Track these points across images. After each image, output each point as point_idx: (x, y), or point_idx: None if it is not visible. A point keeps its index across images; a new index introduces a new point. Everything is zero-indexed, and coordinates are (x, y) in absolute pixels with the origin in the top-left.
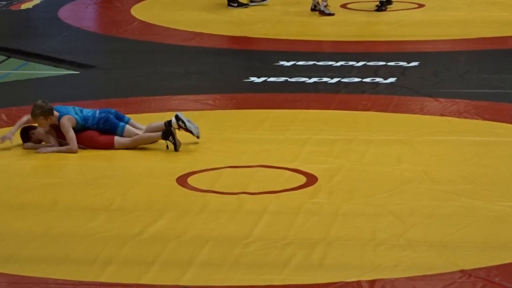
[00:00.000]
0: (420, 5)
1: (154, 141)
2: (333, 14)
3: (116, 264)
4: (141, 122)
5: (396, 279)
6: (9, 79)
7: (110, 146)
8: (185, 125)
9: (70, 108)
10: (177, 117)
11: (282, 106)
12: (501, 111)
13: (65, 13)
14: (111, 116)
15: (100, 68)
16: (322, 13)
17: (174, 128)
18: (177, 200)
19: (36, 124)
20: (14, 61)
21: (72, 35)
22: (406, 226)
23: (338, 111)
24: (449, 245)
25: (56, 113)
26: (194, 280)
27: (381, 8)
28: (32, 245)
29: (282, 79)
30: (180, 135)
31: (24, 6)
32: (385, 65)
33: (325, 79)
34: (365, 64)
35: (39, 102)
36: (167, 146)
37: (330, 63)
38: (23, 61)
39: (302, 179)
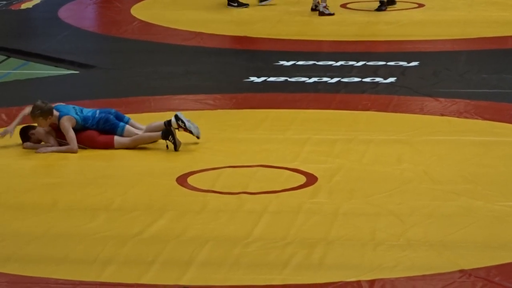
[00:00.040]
0: (420, 5)
1: (154, 140)
2: (333, 14)
3: (116, 264)
4: (141, 122)
5: (396, 278)
6: (9, 78)
7: (110, 146)
8: (184, 125)
9: (70, 107)
10: (176, 117)
11: (282, 106)
12: (501, 110)
13: (65, 13)
14: (111, 116)
15: (100, 68)
16: (322, 13)
17: (174, 128)
18: (177, 199)
19: (35, 124)
20: (14, 61)
21: (72, 35)
22: (406, 226)
23: (338, 111)
24: (449, 245)
25: (56, 112)
26: (194, 280)
27: (381, 8)
28: (32, 245)
29: (282, 79)
30: (180, 135)
31: (24, 6)
32: (385, 65)
33: (325, 79)
34: (365, 64)
35: (39, 102)
36: (167, 146)
37: (330, 63)
38: (23, 61)
39: (302, 179)
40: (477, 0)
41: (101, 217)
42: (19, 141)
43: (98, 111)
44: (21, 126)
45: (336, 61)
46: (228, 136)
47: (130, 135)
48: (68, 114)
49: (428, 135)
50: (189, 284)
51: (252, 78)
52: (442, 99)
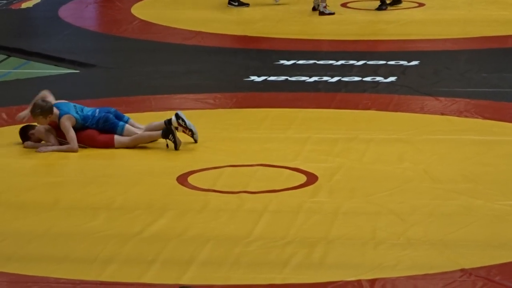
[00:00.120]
0: (421, 4)
1: (154, 140)
2: (333, 13)
3: (117, 263)
4: (141, 121)
5: (397, 278)
6: (10, 78)
7: (110, 145)
8: (185, 124)
9: (71, 105)
10: (177, 116)
11: (283, 105)
12: (501, 110)
13: (65, 12)
14: (111, 116)
15: (101, 67)
16: (322, 13)
17: (174, 127)
18: (178, 199)
19: (35, 124)
20: (14, 60)
21: (73, 34)
22: (407, 225)
23: (339, 110)
24: (450, 244)
25: (56, 111)
26: (195, 279)
27: (381, 7)
28: (33, 244)
29: (283, 78)
30: (180, 134)
31: (24, 5)
32: (386, 64)
33: (325, 78)
34: (365, 63)
35: (39, 101)
36: (167, 145)
37: (330, 62)
38: (24, 60)
39: (303, 178)
40: None
41: (101, 216)
42: (20, 140)
43: (97, 110)
44: (20, 126)
45: (337, 60)
46: (229, 135)
47: (129, 134)
48: (68, 113)
49: (429, 134)
50: (190, 283)
51: (252, 77)
52: (442, 98)
